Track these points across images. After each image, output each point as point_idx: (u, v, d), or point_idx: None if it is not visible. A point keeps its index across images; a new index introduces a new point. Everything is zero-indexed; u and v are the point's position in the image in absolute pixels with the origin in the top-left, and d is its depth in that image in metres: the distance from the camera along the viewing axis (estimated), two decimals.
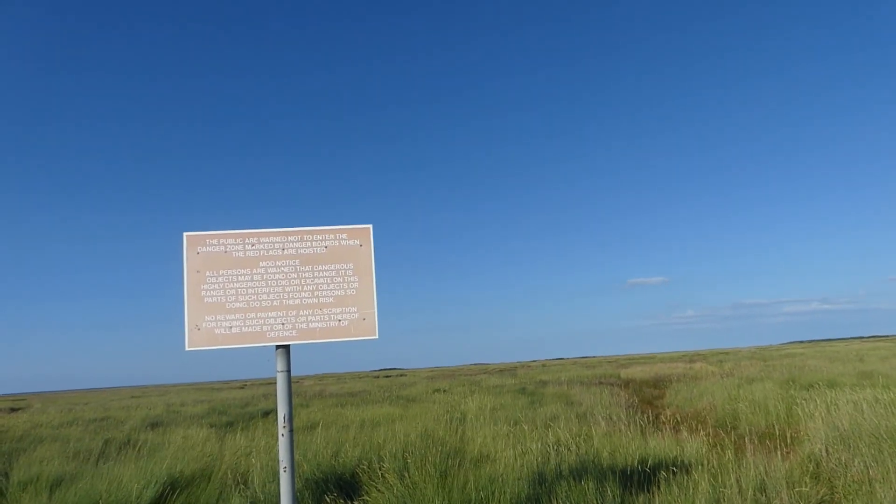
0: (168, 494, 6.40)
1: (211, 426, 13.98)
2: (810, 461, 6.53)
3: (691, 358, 52.12)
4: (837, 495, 5.50)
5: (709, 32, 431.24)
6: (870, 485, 5.30)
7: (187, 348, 4.12)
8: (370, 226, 4.47)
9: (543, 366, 64.13)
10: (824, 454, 6.71)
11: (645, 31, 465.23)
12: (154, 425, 15.55)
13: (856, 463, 6.19)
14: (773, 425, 9.11)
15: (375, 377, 65.59)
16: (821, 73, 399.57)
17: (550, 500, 5.27)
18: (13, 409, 30.02)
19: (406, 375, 64.82)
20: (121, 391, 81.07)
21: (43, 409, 26.67)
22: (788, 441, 7.61)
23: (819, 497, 5.38)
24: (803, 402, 10.12)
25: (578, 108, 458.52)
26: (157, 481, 6.60)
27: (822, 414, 8.41)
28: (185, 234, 4.30)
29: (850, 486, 5.53)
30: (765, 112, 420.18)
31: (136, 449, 10.06)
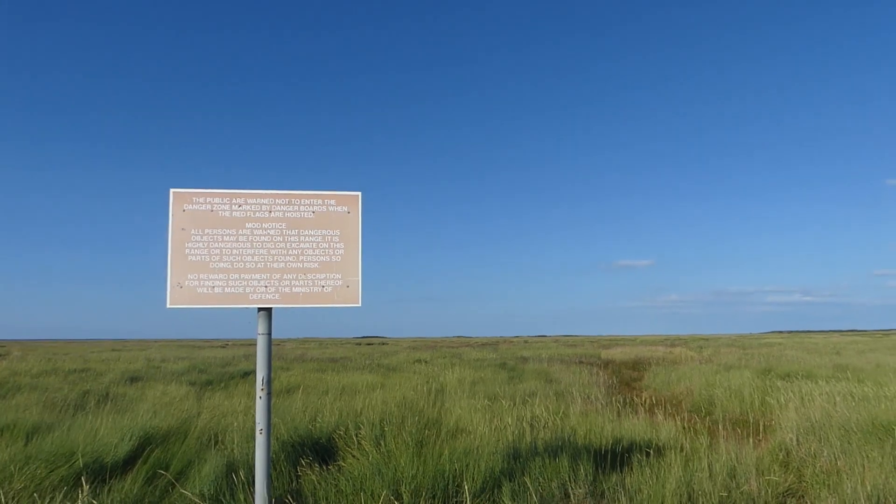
0: (144, 448, 6.40)
1: (190, 384, 13.98)
2: (781, 450, 6.64)
3: (672, 342, 52.70)
4: (805, 484, 5.60)
5: (704, 18, 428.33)
6: (837, 475, 5.40)
7: (168, 306, 4.09)
8: (359, 193, 4.43)
9: (525, 342, 64.72)
10: (795, 444, 6.82)
11: (643, 14, 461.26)
12: (133, 380, 15.52)
13: (825, 453, 6.31)
14: (748, 413, 9.24)
15: (357, 344, 65.97)
16: (811, 66, 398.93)
17: (524, 475, 5.32)
18: None
19: (388, 344, 65.24)
20: (102, 343, 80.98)
21: (23, 358, 26.56)
22: (761, 429, 7.73)
23: (787, 485, 5.47)
24: (778, 391, 10.26)
25: (572, 88, 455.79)
26: (133, 435, 6.61)
27: (796, 404, 8.55)
28: (171, 190, 4.23)
29: (818, 475, 5.63)
30: (757, 102, 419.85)
31: (114, 402, 10.06)
